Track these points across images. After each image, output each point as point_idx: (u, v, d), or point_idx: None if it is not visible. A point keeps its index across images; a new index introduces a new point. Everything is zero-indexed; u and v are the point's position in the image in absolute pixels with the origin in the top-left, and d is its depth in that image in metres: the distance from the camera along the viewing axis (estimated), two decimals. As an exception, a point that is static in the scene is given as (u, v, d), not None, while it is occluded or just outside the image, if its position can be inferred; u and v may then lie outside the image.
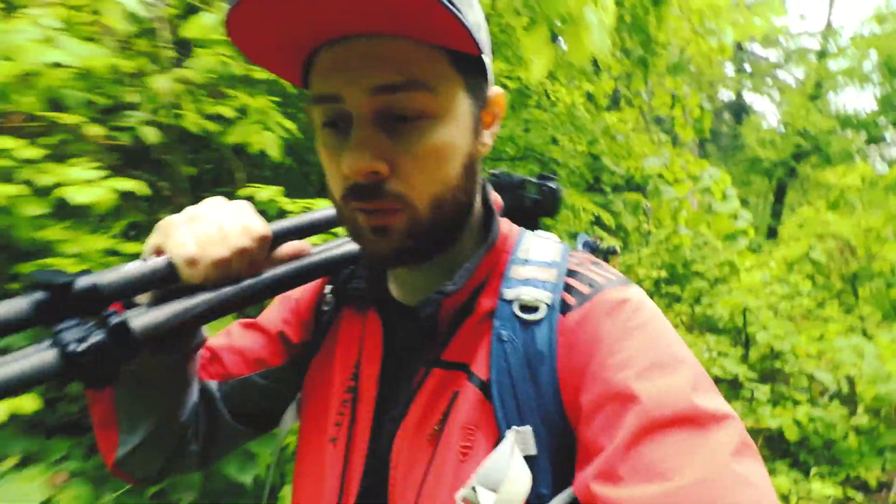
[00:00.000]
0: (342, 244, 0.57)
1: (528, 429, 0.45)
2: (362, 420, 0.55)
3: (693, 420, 0.39)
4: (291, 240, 0.56)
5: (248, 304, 0.49)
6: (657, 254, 6.12)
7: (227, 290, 0.48)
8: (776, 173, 12.91)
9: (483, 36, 0.49)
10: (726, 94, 20.48)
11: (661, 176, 3.51)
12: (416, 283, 0.56)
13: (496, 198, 0.59)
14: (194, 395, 0.60)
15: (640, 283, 6.71)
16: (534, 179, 0.70)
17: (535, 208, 0.68)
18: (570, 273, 0.52)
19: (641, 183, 4.01)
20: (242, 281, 0.49)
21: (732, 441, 0.39)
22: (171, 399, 0.56)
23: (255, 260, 0.51)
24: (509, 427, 0.45)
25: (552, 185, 0.69)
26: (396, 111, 0.45)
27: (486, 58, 0.50)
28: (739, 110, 20.01)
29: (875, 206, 5.04)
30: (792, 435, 2.48)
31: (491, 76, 0.52)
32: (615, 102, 5.10)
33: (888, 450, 2.40)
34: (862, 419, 2.55)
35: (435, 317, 0.52)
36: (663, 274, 5.06)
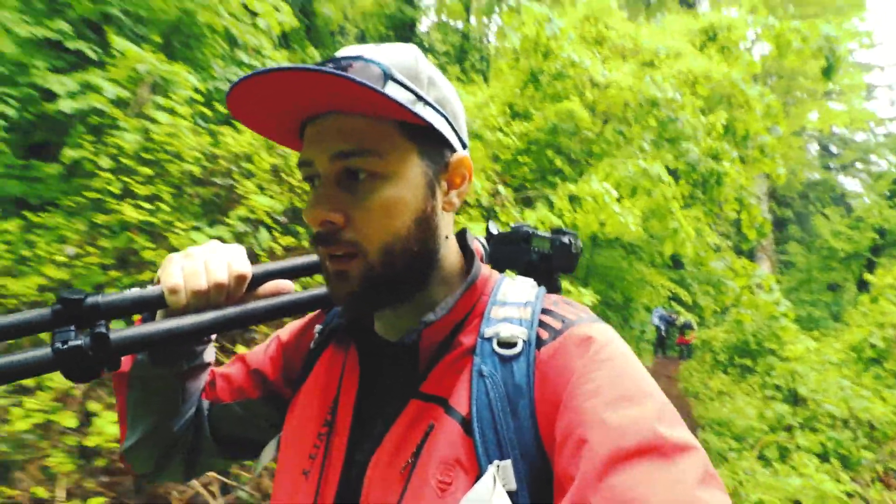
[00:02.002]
0: (318, 289, 0.64)
1: (508, 463, 0.46)
2: (336, 453, 0.57)
3: (658, 450, 0.40)
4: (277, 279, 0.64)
5: (223, 329, 0.57)
6: (731, 331, 7.22)
7: (205, 316, 0.56)
8: (855, 263, 13.02)
9: (444, 109, 0.57)
10: (815, 175, 20.24)
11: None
12: (395, 320, 0.62)
13: (477, 245, 0.66)
14: (191, 410, 0.69)
15: (715, 356, 7.81)
16: (545, 234, 0.71)
17: (542, 263, 0.68)
18: (544, 311, 0.56)
19: (710, 273, 5.53)
20: (221, 310, 0.57)
21: (697, 471, 0.40)
22: (168, 408, 0.65)
23: (233, 294, 0.59)
24: (490, 461, 0.47)
25: (565, 239, 0.69)
26: (352, 170, 0.53)
27: (444, 127, 0.57)
28: (827, 191, 19.74)
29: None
30: (814, 448, 3.96)
31: (456, 143, 0.59)
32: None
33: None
34: (863, 441, 4.03)
35: (415, 349, 0.56)
36: (734, 339, 6.42)
